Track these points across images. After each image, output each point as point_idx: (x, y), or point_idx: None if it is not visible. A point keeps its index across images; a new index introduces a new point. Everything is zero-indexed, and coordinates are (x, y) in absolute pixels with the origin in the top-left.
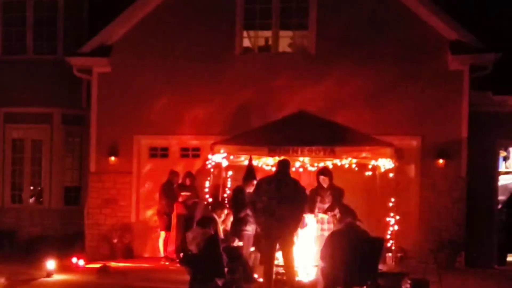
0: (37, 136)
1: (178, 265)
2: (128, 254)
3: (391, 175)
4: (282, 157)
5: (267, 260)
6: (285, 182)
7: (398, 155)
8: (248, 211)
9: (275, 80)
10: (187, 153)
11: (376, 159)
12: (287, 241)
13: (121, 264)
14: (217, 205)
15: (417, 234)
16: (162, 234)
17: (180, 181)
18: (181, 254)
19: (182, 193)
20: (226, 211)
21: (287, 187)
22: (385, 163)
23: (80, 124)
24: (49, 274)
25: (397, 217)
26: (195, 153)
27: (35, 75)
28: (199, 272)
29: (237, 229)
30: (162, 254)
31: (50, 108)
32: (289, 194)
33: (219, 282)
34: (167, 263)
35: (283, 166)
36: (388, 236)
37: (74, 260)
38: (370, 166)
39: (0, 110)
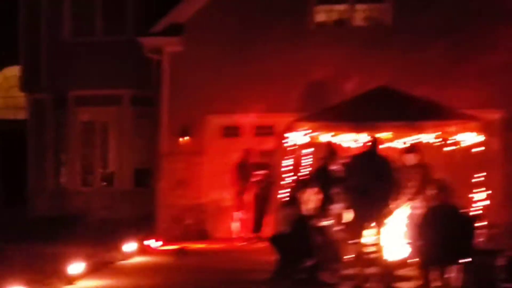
0: (106, 118)
1: (254, 245)
2: (201, 235)
3: (475, 149)
4: (371, 134)
5: (357, 239)
6: (378, 160)
7: (483, 128)
8: (337, 189)
9: (351, 55)
10: (260, 131)
11: (460, 134)
12: (378, 220)
13: (196, 246)
14: (302, 183)
15: (502, 209)
16: (237, 214)
17: (254, 160)
18: (264, 234)
19: (257, 173)
20: (311, 190)
21: (380, 165)
22: (470, 138)
23: (150, 105)
24: (126, 257)
25: (484, 193)
26: (269, 131)
27: (104, 56)
28: (289, 252)
29: (324, 208)
30: (237, 235)
31: (120, 90)
32: (382, 172)
33: (309, 262)
34: (243, 244)
35: (375, 144)
36: (475, 213)
37: (149, 242)
38: (452, 141)
39: (70, 93)
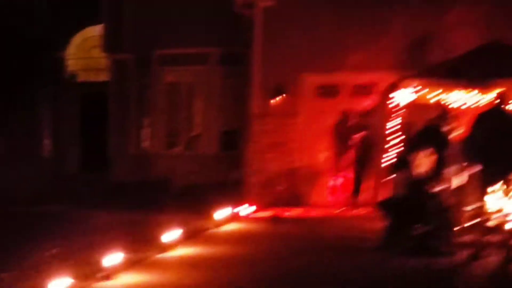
0: (192, 78)
1: (352, 211)
2: (295, 201)
3: None
4: (487, 91)
5: (477, 204)
6: (506, 117)
7: None
8: (449, 152)
9: (456, 6)
10: (359, 90)
11: None
12: (502, 183)
13: (290, 212)
14: (413, 146)
15: None
16: (333, 179)
17: (352, 122)
18: (378, 200)
19: (355, 135)
20: (423, 152)
21: (508, 123)
22: None
23: (239, 64)
24: (217, 224)
25: None
26: (368, 90)
27: (191, 13)
28: (400, 218)
29: (437, 172)
30: (333, 200)
31: (207, 48)
32: (510, 130)
33: (422, 229)
34: (340, 210)
35: (502, 100)
36: None
37: (239, 208)
38: None
39: (154, 52)
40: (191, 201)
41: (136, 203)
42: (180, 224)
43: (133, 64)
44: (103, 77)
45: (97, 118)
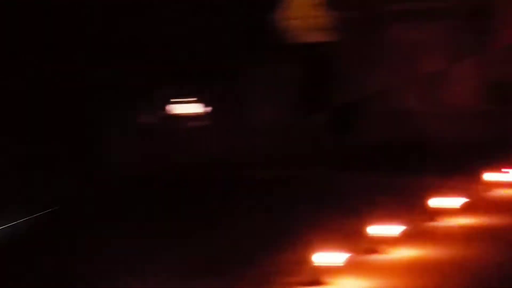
0: (429, 34)
1: None
2: None
3: None
4: None
5: None
6: None
7: None
8: None
9: None
10: None
11: None
12: None
13: None
14: None
15: None
16: None
17: None
18: None
19: None
20: None
21: None
22: None
23: (478, 17)
24: (489, 188)
25: None
26: None
27: None
28: None
29: None
30: None
31: (439, 3)
32: None
33: None
34: None
35: None
36: None
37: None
38: None
39: (385, 8)
40: (452, 162)
41: (389, 165)
42: (449, 189)
43: (360, 22)
44: (326, 37)
45: (321, 82)
